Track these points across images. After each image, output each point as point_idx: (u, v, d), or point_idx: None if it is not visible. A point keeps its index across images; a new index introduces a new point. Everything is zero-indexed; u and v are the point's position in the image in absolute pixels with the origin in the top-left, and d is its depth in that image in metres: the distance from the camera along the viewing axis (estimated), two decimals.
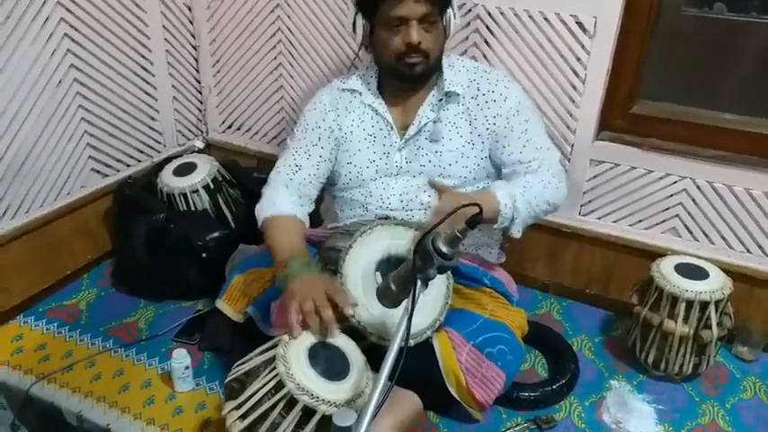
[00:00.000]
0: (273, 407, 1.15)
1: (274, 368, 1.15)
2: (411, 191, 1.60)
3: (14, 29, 1.74)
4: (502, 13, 1.81)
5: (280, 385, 1.14)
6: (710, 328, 1.62)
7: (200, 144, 2.42)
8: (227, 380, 1.27)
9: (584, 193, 1.94)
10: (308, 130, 1.64)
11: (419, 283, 1.18)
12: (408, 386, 1.45)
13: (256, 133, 2.43)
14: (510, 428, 1.55)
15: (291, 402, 1.13)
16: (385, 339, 1.34)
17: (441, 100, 1.58)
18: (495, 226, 1.50)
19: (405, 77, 1.55)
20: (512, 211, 1.48)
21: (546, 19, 1.77)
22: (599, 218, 1.96)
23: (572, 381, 1.68)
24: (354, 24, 1.53)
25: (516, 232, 1.54)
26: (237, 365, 1.27)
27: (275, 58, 2.24)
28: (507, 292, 1.67)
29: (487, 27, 1.84)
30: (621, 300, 1.86)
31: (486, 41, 1.86)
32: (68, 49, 1.91)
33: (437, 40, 1.50)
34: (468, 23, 1.86)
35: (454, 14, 1.51)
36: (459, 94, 1.57)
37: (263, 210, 1.60)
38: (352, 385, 1.20)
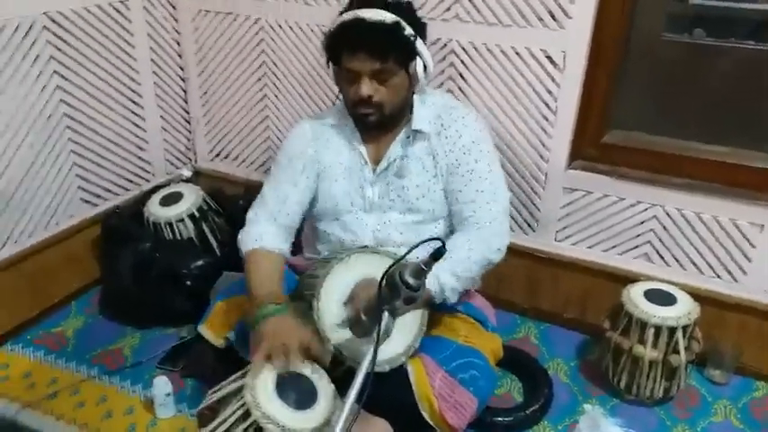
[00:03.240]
0: None
1: (242, 397, 1.19)
2: (384, 228, 1.65)
3: (3, 69, 1.81)
4: (475, 48, 1.87)
5: (247, 414, 1.17)
6: (679, 352, 1.66)
7: (187, 173, 2.48)
8: (199, 407, 1.30)
9: (558, 219, 1.99)
10: (293, 158, 1.68)
11: (386, 314, 1.22)
12: (381, 413, 1.48)
13: (244, 161, 2.49)
14: None
15: (258, 431, 1.17)
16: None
17: (409, 137, 1.63)
18: (436, 300, 1.54)
19: (362, 125, 1.62)
20: (439, 286, 1.51)
21: (517, 53, 1.83)
22: (574, 243, 2.01)
23: (545, 405, 1.72)
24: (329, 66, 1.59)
25: (454, 299, 1.57)
26: (211, 393, 1.30)
27: (261, 89, 2.31)
28: (482, 317, 1.70)
29: (462, 61, 1.91)
30: (598, 324, 1.88)
31: (461, 75, 1.93)
32: (58, 85, 1.98)
33: (395, 92, 1.52)
34: (444, 58, 1.93)
35: (425, 64, 1.52)
36: (425, 132, 1.61)
37: (248, 242, 1.62)
38: (319, 414, 1.23)
